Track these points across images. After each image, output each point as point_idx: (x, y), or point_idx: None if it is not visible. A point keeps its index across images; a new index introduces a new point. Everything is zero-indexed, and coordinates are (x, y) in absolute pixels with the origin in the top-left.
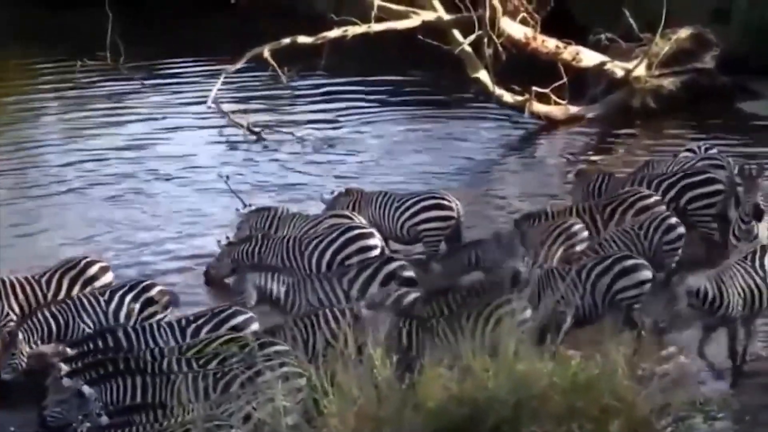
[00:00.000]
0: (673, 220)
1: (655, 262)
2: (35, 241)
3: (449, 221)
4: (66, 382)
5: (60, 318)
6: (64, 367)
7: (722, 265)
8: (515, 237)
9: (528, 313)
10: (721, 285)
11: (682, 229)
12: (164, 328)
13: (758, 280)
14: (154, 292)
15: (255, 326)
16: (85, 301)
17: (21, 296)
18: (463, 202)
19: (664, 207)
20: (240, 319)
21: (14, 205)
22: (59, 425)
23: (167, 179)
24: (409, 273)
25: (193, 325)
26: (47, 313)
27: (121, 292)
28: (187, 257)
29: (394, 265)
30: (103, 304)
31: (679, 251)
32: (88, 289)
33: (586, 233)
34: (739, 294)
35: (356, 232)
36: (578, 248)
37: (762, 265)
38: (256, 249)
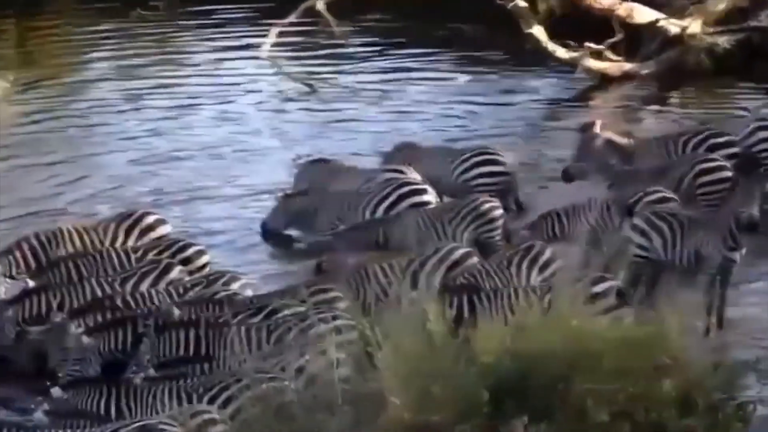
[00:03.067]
0: None
1: None
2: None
3: (503, 176)
4: (86, 340)
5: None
6: (72, 326)
7: None
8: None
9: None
10: None
11: None
12: (162, 294)
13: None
14: (190, 252)
15: (249, 292)
16: (114, 257)
17: (78, 245)
18: (516, 156)
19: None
20: (236, 285)
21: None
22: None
23: (215, 128)
24: None
25: (191, 292)
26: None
27: (155, 252)
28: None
29: None
30: (134, 261)
31: None
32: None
33: (498, 212)
34: None
35: (410, 188)
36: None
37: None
38: (313, 202)
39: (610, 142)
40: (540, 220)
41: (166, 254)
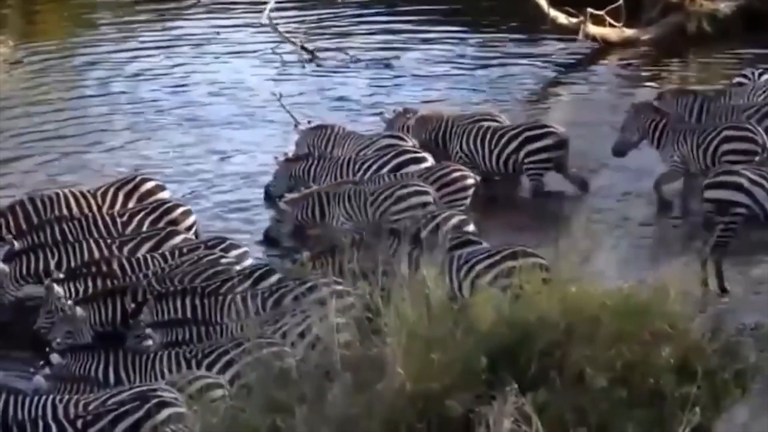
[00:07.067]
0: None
1: None
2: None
3: None
4: (78, 312)
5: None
6: (57, 288)
7: None
8: None
9: None
10: None
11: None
12: (157, 259)
13: None
14: (176, 213)
15: (249, 261)
16: (99, 221)
17: (75, 210)
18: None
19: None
20: (235, 253)
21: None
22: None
23: (216, 95)
24: None
25: (186, 257)
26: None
27: (141, 215)
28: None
29: None
30: (119, 225)
31: None
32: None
33: (470, 180)
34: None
35: (409, 156)
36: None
37: None
38: (312, 168)
39: (656, 110)
40: (303, 198)
41: (152, 216)
